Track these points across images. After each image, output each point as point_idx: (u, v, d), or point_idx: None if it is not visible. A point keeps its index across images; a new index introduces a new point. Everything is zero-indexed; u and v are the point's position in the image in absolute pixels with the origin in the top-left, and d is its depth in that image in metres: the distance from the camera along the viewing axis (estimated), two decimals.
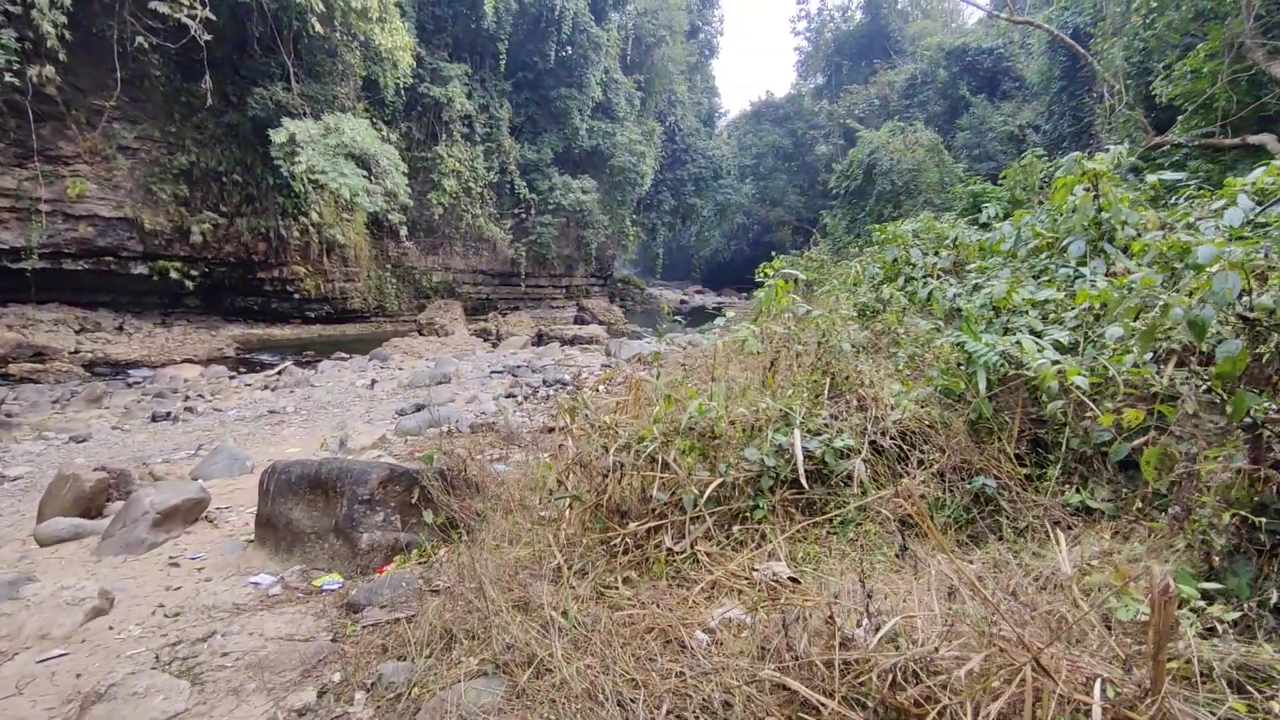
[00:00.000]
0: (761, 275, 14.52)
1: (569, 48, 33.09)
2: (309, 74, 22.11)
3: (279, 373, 15.58)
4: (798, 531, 3.03)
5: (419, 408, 9.81)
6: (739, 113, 64.09)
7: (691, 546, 3.00)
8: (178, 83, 20.00)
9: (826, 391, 3.68)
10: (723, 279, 64.88)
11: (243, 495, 6.09)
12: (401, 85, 24.62)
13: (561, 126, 33.96)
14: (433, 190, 28.15)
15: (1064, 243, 4.21)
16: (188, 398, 12.61)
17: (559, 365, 14.51)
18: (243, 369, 17.17)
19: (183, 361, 17.89)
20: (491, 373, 13.80)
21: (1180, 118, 9.67)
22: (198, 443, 8.51)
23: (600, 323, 32.61)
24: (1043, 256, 4.74)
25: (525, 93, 33.17)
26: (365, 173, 21.04)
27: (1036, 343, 3.05)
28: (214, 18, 17.42)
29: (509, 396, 10.25)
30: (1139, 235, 3.92)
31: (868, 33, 52.55)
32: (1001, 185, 12.64)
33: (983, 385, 3.11)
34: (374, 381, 13.14)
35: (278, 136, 18.99)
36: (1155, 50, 10.62)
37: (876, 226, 7.58)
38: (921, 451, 3.22)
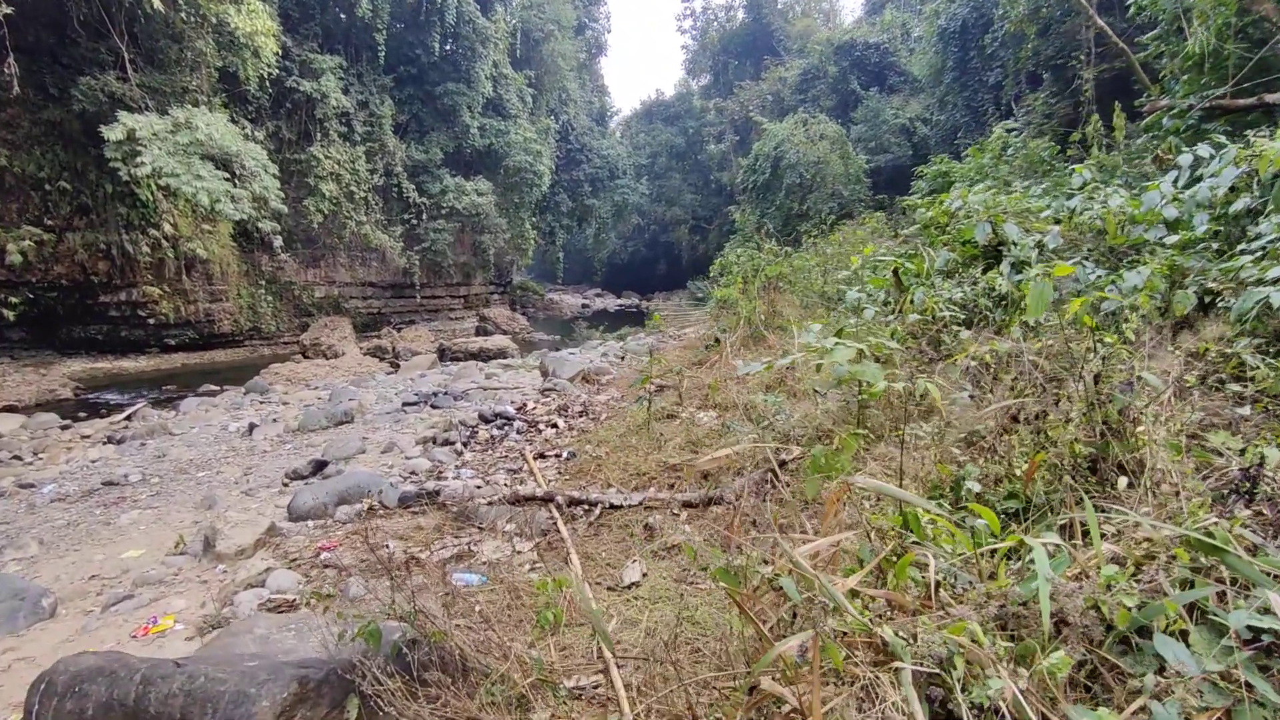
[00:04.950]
0: (717, 270, 12.52)
1: (454, 40, 30.73)
2: (150, 62, 18.85)
3: (128, 417, 12.72)
4: None
5: (319, 466, 7.56)
6: (630, 111, 63.20)
7: None
8: None
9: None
10: (621, 282, 63.71)
11: (25, 675, 3.69)
12: (266, 77, 21.58)
13: (451, 125, 31.50)
14: (310, 196, 25.08)
15: None
16: None
17: (485, 391, 12.41)
18: (82, 414, 14.03)
19: (1, 409, 14.52)
20: (404, 405, 11.49)
21: (1185, 77, 8.99)
22: None
23: (504, 332, 30.55)
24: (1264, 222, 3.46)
25: (409, 88, 30.53)
26: (227, 176, 18.06)
27: None
28: None
29: (446, 443, 8.14)
30: None
31: (751, 31, 52.89)
32: (967, 162, 11.96)
33: None
34: (252, 426, 10.62)
35: (112, 133, 15.85)
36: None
37: (917, 202, 6.28)
38: None
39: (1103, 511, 1.94)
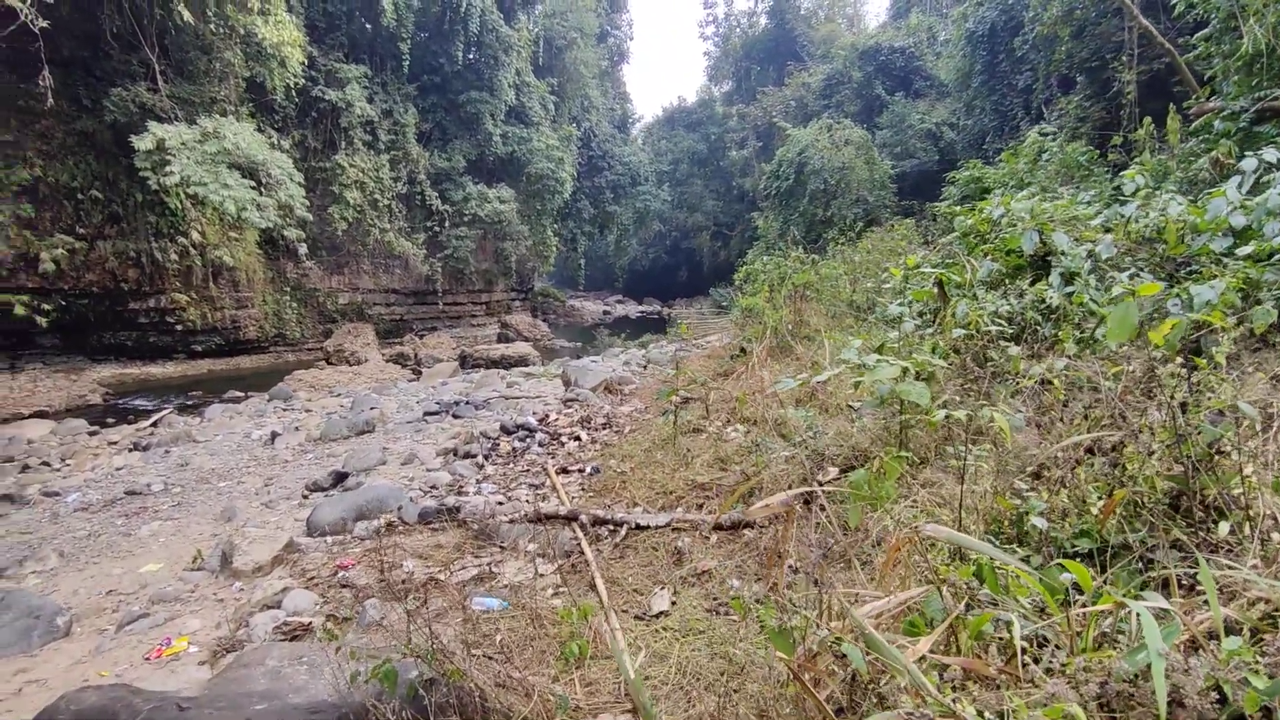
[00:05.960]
0: (742, 277, 12.38)
1: (477, 49, 30.92)
2: (180, 73, 19.12)
3: (154, 424, 12.82)
4: None
5: (339, 478, 7.49)
6: (652, 118, 63.27)
7: None
8: (12, 83, 16.72)
9: None
10: (642, 288, 63.61)
11: (34, 699, 3.54)
12: (292, 87, 21.81)
13: (473, 132, 31.66)
14: (334, 204, 25.29)
15: None
16: (26, 467, 9.80)
17: (507, 400, 12.30)
18: (110, 420, 14.18)
19: (32, 415, 14.73)
20: (426, 414, 11.40)
21: (1236, 78, 8.65)
22: (4, 560, 5.76)
23: (526, 339, 30.58)
24: None
25: (432, 97, 30.76)
26: (253, 184, 18.24)
27: None
28: (50, 0, 14.39)
29: (467, 456, 8.02)
30: None
31: (774, 37, 52.74)
32: (1000, 167, 11.67)
33: None
34: (275, 434, 10.59)
35: (142, 143, 16.05)
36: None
37: (953, 209, 6.07)
38: None
39: (1210, 563, 1.72)
